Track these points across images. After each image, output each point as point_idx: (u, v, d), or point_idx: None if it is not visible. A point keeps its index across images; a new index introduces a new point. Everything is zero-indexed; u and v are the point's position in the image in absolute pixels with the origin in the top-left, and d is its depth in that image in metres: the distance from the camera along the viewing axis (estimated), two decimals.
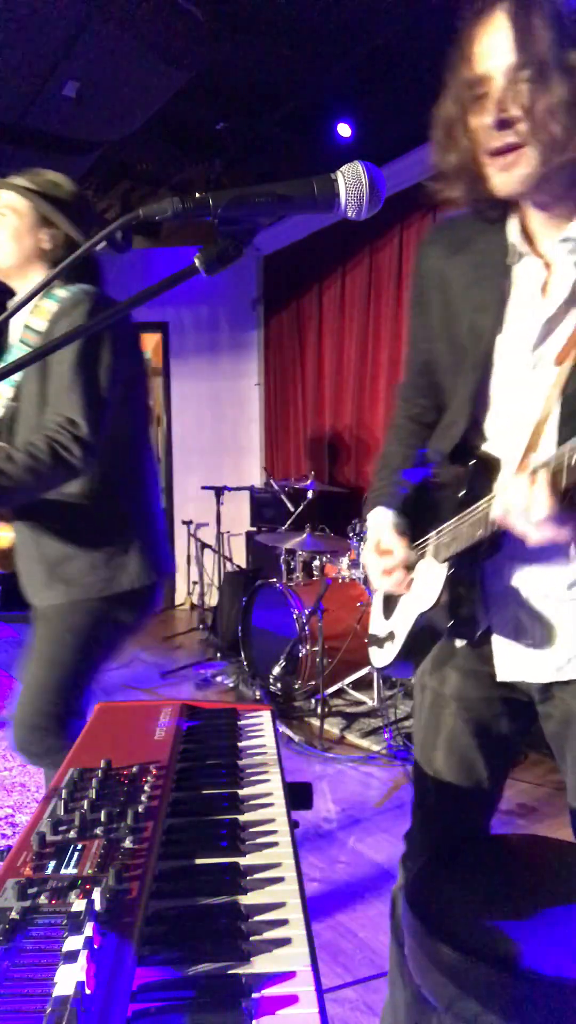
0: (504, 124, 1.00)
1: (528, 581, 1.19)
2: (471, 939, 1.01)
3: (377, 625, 1.44)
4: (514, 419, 1.16)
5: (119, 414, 1.90)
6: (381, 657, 1.38)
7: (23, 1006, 0.60)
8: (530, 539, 1.00)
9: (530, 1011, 0.93)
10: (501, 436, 1.19)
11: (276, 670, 4.02)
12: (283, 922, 0.75)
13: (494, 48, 1.01)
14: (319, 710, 3.81)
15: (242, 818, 0.95)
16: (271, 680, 4.12)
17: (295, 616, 4.01)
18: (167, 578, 2.21)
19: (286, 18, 3.64)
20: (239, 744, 1.20)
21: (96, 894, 0.72)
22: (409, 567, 1.27)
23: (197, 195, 0.80)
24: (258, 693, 4.14)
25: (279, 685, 4.13)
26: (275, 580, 4.35)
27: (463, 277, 1.20)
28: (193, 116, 4.84)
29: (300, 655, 3.99)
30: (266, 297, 6.69)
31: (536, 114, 0.98)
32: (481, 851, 1.30)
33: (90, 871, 0.79)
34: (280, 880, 0.82)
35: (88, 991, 0.60)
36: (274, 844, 0.89)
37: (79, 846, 0.83)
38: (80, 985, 0.60)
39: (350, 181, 0.82)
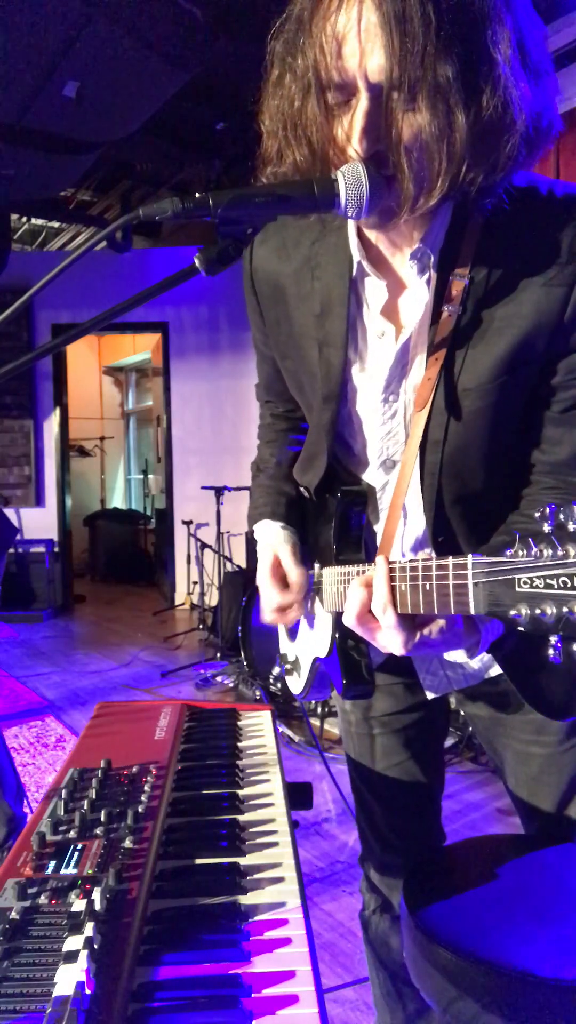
0: (374, 156, 0.81)
1: None
2: (469, 940, 1.01)
3: (284, 644, 1.37)
4: (383, 449, 1.07)
5: None
6: (292, 684, 1.32)
7: (23, 1006, 0.60)
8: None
9: (528, 1012, 0.93)
10: (372, 466, 1.10)
11: (276, 670, 4.01)
12: (283, 922, 0.75)
13: (360, 41, 0.77)
14: (319, 710, 3.81)
15: (242, 818, 0.95)
16: (271, 680, 4.12)
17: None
18: None
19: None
20: (239, 744, 1.20)
21: (96, 894, 0.72)
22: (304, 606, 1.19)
23: (197, 195, 0.80)
24: (258, 693, 4.14)
25: (279, 685, 4.13)
26: None
27: (302, 288, 1.04)
28: (193, 116, 4.84)
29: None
30: None
31: (410, 147, 0.79)
32: (479, 851, 1.30)
33: (90, 871, 0.79)
34: (280, 880, 0.82)
35: (88, 991, 0.60)
36: (274, 844, 0.89)
37: (79, 846, 0.83)
38: (80, 985, 0.60)
39: (350, 181, 0.82)
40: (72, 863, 0.80)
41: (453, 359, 0.94)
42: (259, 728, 1.27)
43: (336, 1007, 1.94)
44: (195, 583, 6.47)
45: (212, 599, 6.04)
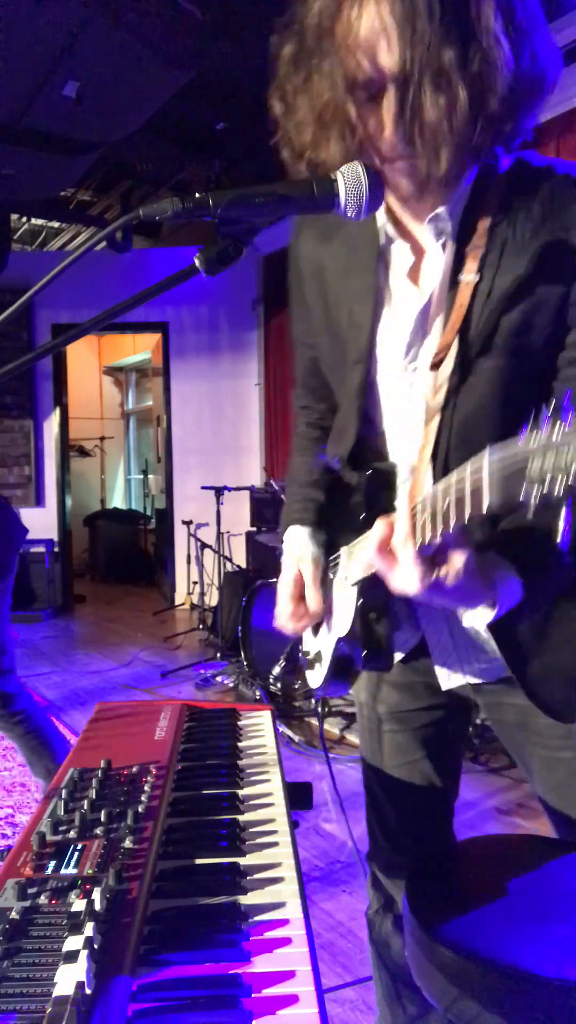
0: (409, 142, 0.89)
1: None
2: (471, 940, 1.01)
3: (308, 642, 1.38)
4: (404, 421, 1.10)
5: None
6: (313, 678, 1.32)
7: (23, 1006, 0.60)
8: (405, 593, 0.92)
9: (530, 1012, 0.93)
10: (396, 439, 1.13)
11: (276, 670, 4.02)
12: (283, 922, 0.75)
13: (375, 38, 0.86)
14: (319, 710, 3.81)
15: (242, 818, 0.95)
16: (271, 680, 4.12)
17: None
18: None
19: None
20: (239, 744, 1.20)
21: (96, 894, 0.72)
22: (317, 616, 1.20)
23: (197, 195, 0.80)
24: (258, 693, 4.14)
25: (279, 685, 4.13)
26: (275, 580, 4.34)
27: (338, 263, 1.12)
28: (193, 116, 4.85)
29: (301, 656, 3.98)
30: (266, 297, 6.69)
31: (435, 126, 0.88)
32: (482, 851, 1.30)
33: (90, 871, 0.79)
34: (280, 880, 0.82)
35: (88, 991, 0.60)
36: (274, 844, 0.89)
37: (79, 846, 0.83)
38: (80, 985, 0.60)
39: (350, 181, 0.82)
40: (72, 863, 0.80)
41: (469, 323, 0.99)
42: (259, 728, 1.27)
43: (336, 1007, 1.94)
44: (195, 583, 6.47)
45: (212, 599, 6.04)
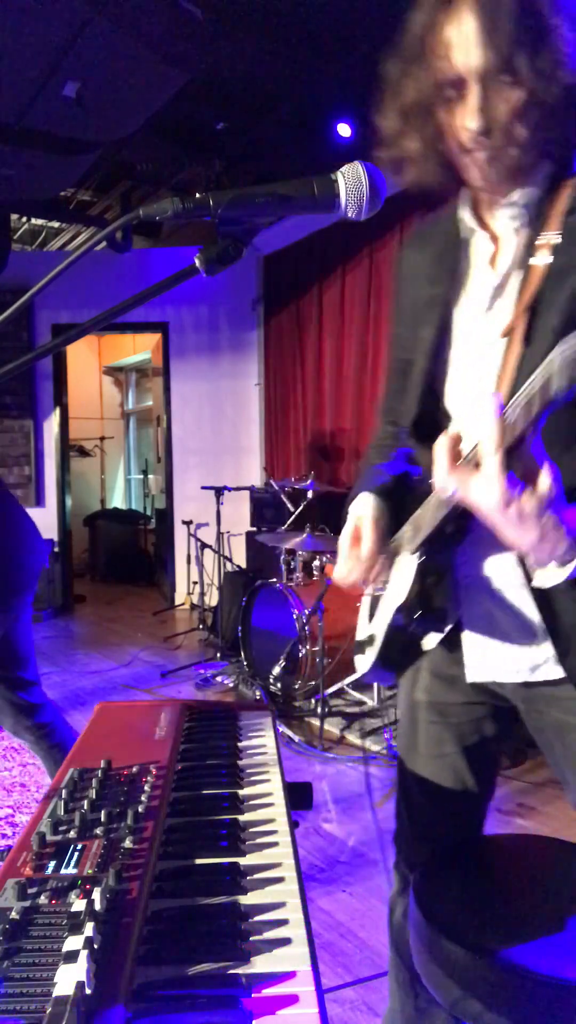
0: (486, 132, 1.02)
1: (501, 570, 1.16)
2: (476, 938, 1.01)
3: (362, 631, 1.41)
4: (476, 393, 1.15)
5: None
6: (363, 663, 1.35)
7: (23, 1006, 0.60)
8: (487, 511, 0.91)
9: (533, 1011, 0.93)
10: (463, 412, 1.20)
11: (276, 670, 4.02)
12: (283, 922, 0.75)
13: (464, 45, 1.00)
14: (319, 710, 3.81)
15: (242, 818, 0.95)
16: (271, 680, 4.12)
17: (295, 616, 4.01)
18: (19, 596, 2.31)
19: (286, 18, 3.64)
20: (239, 744, 1.20)
21: (96, 894, 0.72)
22: (373, 567, 1.23)
23: (197, 195, 0.80)
24: (258, 693, 4.14)
25: (279, 685, 4.13)
26: (275, 580, 4.35)
27: (426, 260, 1.25)
28: (193, 116, 4.84)
29: (300, 655, 3.99)
30: (266, 297, 6.70)
31: (512, 119, 1.01)
32: (486, 851, 1.30)
33: (90, 871, 0.79)
34: (280, 880, 0.82)
35: (88, 991, 0.60)
36: (274, 844, 0.89)
37: (79, 846, 0.83)
38: (80, 985, 0.60)
39: (350, 181, 0.82)
40: (72, 863, 0.80)
41: (540, 299, 1.05)
42: (259, 728, 1.27)
43: (336, 1007, 1.94)
44: (195, 583, 6.47)
45: (212, 599, 6.04)
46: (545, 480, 0.89)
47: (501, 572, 1.16)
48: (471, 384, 1.17)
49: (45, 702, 2.50)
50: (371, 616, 1.39)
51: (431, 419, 1.21)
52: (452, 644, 1.25)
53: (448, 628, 1.23)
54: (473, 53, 0.99)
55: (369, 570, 1.22)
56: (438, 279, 1.20)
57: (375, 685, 3.99)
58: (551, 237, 1.06)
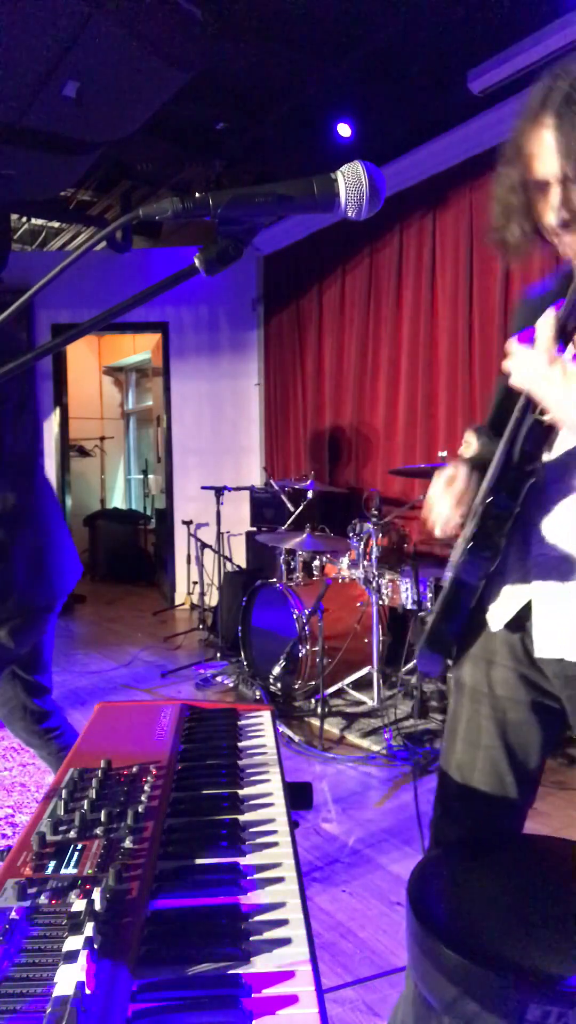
0: (565, 224, 1.19)
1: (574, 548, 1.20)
2: (471, 940, 1.01)
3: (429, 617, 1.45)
4: None
5: (12, 439, 1.96)
6: (420, 644, 1.39)
7: (23, 1006, 0.60)
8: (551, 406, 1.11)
9: (529, 1013, 0.93)
10: None
11: (276, 670, 4.01)
12: (283, 922, 0.75)
13: (545, 156, 1.17)
14: (319, 710, 3.81)
15: (242, 818, 0.95)
16: (271, 680, 4.12)
17: (295, 616, 4.01)
18: (57, 601, 2.30)
19: (286, 18, 3.64)
20: (239, 744, 1.20)
21: (96, 894, 0.72)
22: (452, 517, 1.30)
23: (197, 195, 0.80)
24: (258, 693, 4.14)
25: (279, 685, 4.13)
26: (275, 580, 4.35)
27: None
28: (193, 116, 4.84)
29: (300, 655, 3.99)
30: (266, 297, 6.70)
31: None
32: (483, 851, 1.30)
33: (90, 871, 0.79)
34: (280, 880, 0.82)
35: (88, 991, 0.60)
36: (274, 844, 0.89)
37: (79, 846, 0.83)
38: (80, 985, 0.60)
39: (350, 181, 0.82)
40: (72, 863, 0.80)
41: None
42: (259, 728, 1.27)
43: (336, 1007, 1.94)
44: (195, 583, 6.47)
45: (212, 599, 6.04)
46: None
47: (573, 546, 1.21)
48: None
49: (55, 709, 2.51)
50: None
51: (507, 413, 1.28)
52: (512, 627, 1.27)
53: (519, 603, 1.26)
54: (550, 162, 1.16)
55: (463, 507, 1.29)
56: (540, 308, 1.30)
57: (375, 685, 3.99)
58: None
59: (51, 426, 7.09)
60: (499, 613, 1.29)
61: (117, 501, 10.08)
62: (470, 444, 1.39)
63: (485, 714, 1.32)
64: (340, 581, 4.26)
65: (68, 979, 0.61)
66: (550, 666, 1.25)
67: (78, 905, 0.71)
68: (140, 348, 8.99)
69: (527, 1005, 0.93)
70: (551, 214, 1.20)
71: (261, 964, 0.68)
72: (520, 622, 1.27)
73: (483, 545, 1.21)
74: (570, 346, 1.12)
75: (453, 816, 1.37)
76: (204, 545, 5.99)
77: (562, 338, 1.11)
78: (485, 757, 1.32)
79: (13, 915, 0.71)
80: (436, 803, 1.42)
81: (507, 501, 1.20)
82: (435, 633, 1.31)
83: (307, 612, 3.94)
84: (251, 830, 0.92)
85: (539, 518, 1.23)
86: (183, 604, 6.93)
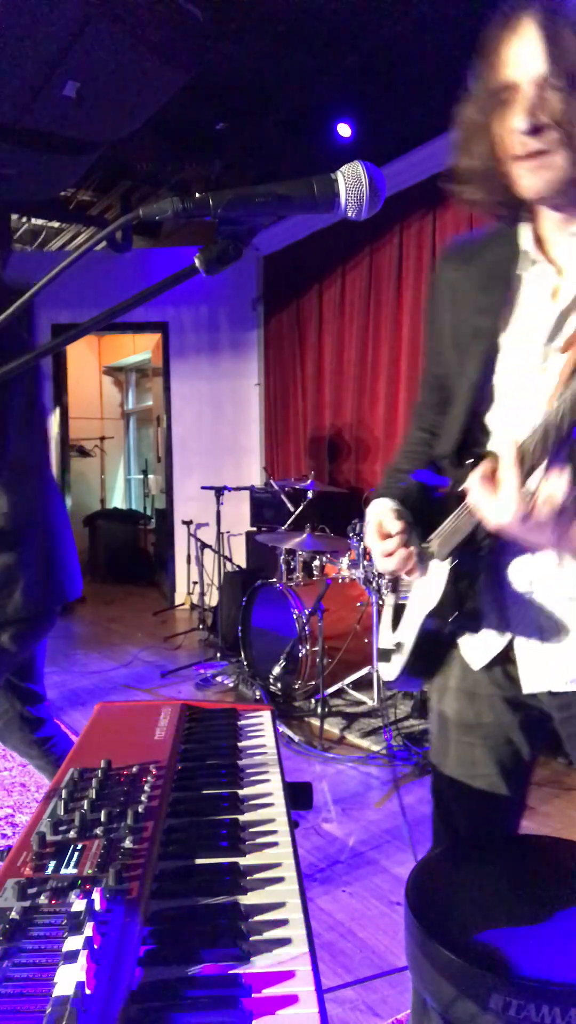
0: (535, 130, 1.03)
1: (548, 583, 1.17)
2: (470, 940, 1.01)
3: (385, 638, 1.41)
4: (522, 415, 1.15)
5: (19, 438, 1.95)
6: (389, 671, 1.35)
7: (23, 1006, 0.60)
8: (506, 532, 1.01)
9: (527, 1014, 0.93)
10: (508, 434, 1.19)
11: (276, 670, 4.02)
12: (283, 922, 0.75)
13: (522, 56, 1.04)
14: (319, 710, 3.81)
15: (242, 818, 0.95)
16: (271, 680, 4.12)
17: (295, 616, 4.01)
18: (60, 605, 2.29)
19: (286, 18, 3.64)
20: (239, 744, 1.20)
21: (96, 894, 0.72)
22: (413, 552, 1.25)
23: (197, 195, 0.80)
24: (258, 693, 4.14)
25: (279, 685, 4.13)
26: (275, 580, 4.35)
27: (471, 283, 1.23)
28: (193, 116, 4.84)
29: (300, 655, 3.99)
30: (266, 297, 6.70)
31: (565, 123, 1.02)
32: (481, 852, 1.30)
33: (90, 871, 0.79)
34: (280, 880, 0.82)
35: (88, 991, 0.60)
36: (274, 844, 0.89)
37: (79, 846, 0.83)
38: (80, 985, 0.60)
39: (350, 181, 0.82)
40: (72, 863, 0.80)
41: None
42: (259, 728, 1.27)
43: (336, 1007, 1.94)
44: (195, 583, 6.47)
45: (212, 599, 6.04)
46: (560, 482, 0.94)
47: (547, 586, 1.17)
48: (518, 405, 1.17)
49: (48, 717, 2.51)
50: (395, 625, 1.39)
51: (470, 437, 1.23)
52: (495, 662, 1.24)
53: (499, 646, 1.22)
54: (529, 62, 1.03)
55: (407, 559, 1.24)
56: (488, 310, 1.19)
57: (375, 685, 3.99)
58: None
59: (51, 426, 7.09)
60: (479, 654, 1.25)
61: (117, 501, 10.08)
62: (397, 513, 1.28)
63: (477, 744, 1.29)
64: (340, 581, 4.26)
65: (68, 979, 0.61)
66: (540, 697, 1.23)
67: (78, 905, 0.71)
68: (140, 348, 8.99)
69: (526, 1005, 0.93)
70: (519, 118, 1.04)
71: (261, 964, 0.68)
72: (500, 656, 1.24)
73: (456, 605, 1.18)
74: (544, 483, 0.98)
75: (456, 831, 1.35)
76: (204, 545, 5.99)
77: (529, 472, 0.98)
78: (482, 784, 1.29)
79: (13, 915, 0.71)
80: (435, 818, 1.39)
81: (473, 561, 1.17)
82: (411, 668, 1.30)
83: (307, 612, 3.94)
84: (251, 830, 0.92)
85: (507, 559, 1.19)
86: (183, 604, 6.93)
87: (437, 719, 1.35)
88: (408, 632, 1.31)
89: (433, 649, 1.29)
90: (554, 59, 1.02)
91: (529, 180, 1.08)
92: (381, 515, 1.28)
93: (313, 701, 4.05)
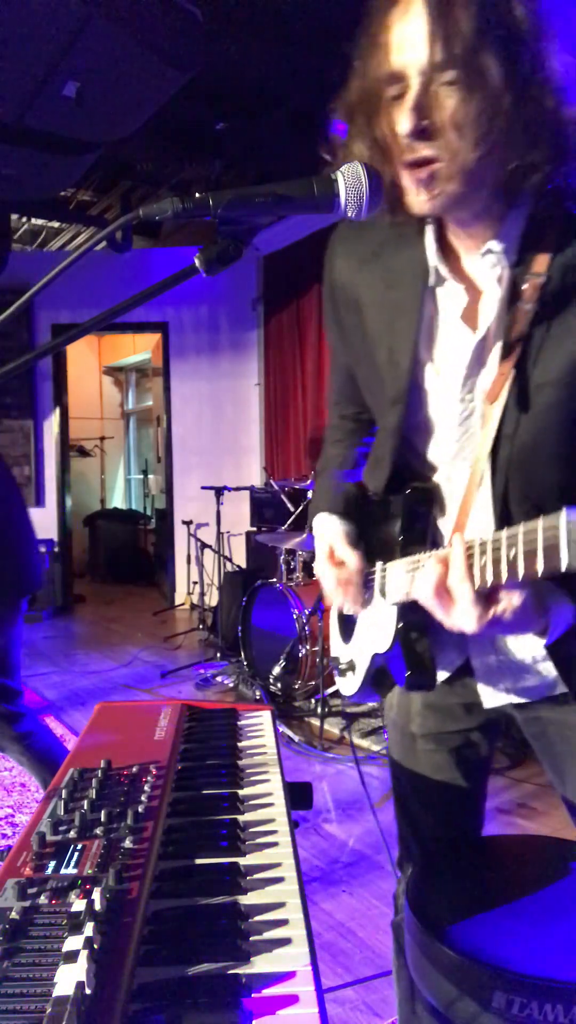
0: (421, 134, 0.87)
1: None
2: (472, 939, 1.01)
3: (337, 648, 1.38)
4: (455, 453, 1.09)
5: None
6: (345, 685, 1.32)
7: (23, 1006, 0.60)
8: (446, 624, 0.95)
9: (529, 1012, 0.93)
10: (444, 470, 1.12)
11: (276, 670, 4.02)
12: (283, 922, 0.75)
13: (409, 38, 0.86)
14: (319, 710, 3.81)
15: (242, 818, 0.95)
16: (271, 680, 4.12)
17: (295, 616, 4.01)
18: (21, 597, 2.29)
19: (286, 18, 3.64)
20: (239, 744, 1.20)
21: (96, 894, 0.72)
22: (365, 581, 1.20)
23: (197, 195, 0.80)
24: (258, 693, 4.14)
25: (279, 685, 4.13)
26: (275, 580, 4.35)
27: (376, 296, 1.09)
28: (193, 116, 4.84)
29: (300, 655, 3.99)
30: (266, 297, 6.70)
31: (455, 124, 0.86)
32: (481, 851, 1.30)
33: (90, 871, 0.79)
34: (280, 880, 0.82)
35: (88, 991, 0.60)
36: (274, 844, 0.89)
37: (79, 846, 0.83)
38: (80, 985, 0.60)
39: (350, 181, 0.82)
40: (72, 863, 0.80)
41: (527, 354, 0.96)
42: (259, 728, 1.27)
43: (336, 1007, 1.94)
44: (195, 583, 6.47)
45: (212, 599, 6.04)
46: (518, 595, 0.89)
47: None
48: (452, 446, 1.09)
49: (27, 711, 2.51)
50: (345, 634, 1.35)
51: (402, 468, 1.15)
52: (452, 677, 1.21)
53: (457, 662, 1.19)
54: (418, 47, 0.86)
55: (359, 596, 1.18)
56: (401, 337, 1.06)
57: None
58: (538, 279, 0.95)
59: (51, 426, 7.09)
60: (438, 671, 1.20)
61: (117, 501, 10.08)
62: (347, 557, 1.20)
63: (440, 751, 1.27)
64: None
65: (68, 979, 0.61)
66: (501, 709, 1.21)
67: (78, 905, 0.71)
68: (140, 348, 8.99)
69: (529, 1003, 0.93)
70: (404, 118, 0.88)
71: (261, 964, 0.68)
72: (459, 669, 1.21)
73: (413, 657, 1.10)
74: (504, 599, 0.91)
75: (423, 835, 1.34)
76: (204, 545, 5.99)
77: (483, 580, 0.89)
78: (448, 788, 1.28)
79: (13, 915, 0.71)
80: (401, 825, 1.38)
81: (419, 619, 1.07)
82: (367, 688, 1.27)
83: (307, 612, 3.94)
84: (251, 830, 0.92)
85: None
86: (183, 604, 6.93)
87: (401, 733, 1.31)
88: (359, 657, 1.27)
89: (386, 676, 1.24)
90: (443, 44, 0.83)
91: (418, 196, 0.93)
92: (332, 539, 1.21)
93: (313, 701, 4.05)
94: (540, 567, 0.78)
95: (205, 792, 1.02)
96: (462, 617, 0.90)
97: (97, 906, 0.71)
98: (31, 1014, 0.59)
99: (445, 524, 1.14)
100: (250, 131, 4.94)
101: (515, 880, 1.17)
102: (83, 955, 0.63)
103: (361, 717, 3.96)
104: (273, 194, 0.82)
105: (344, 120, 0.98)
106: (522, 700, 1.17)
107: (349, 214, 0.84)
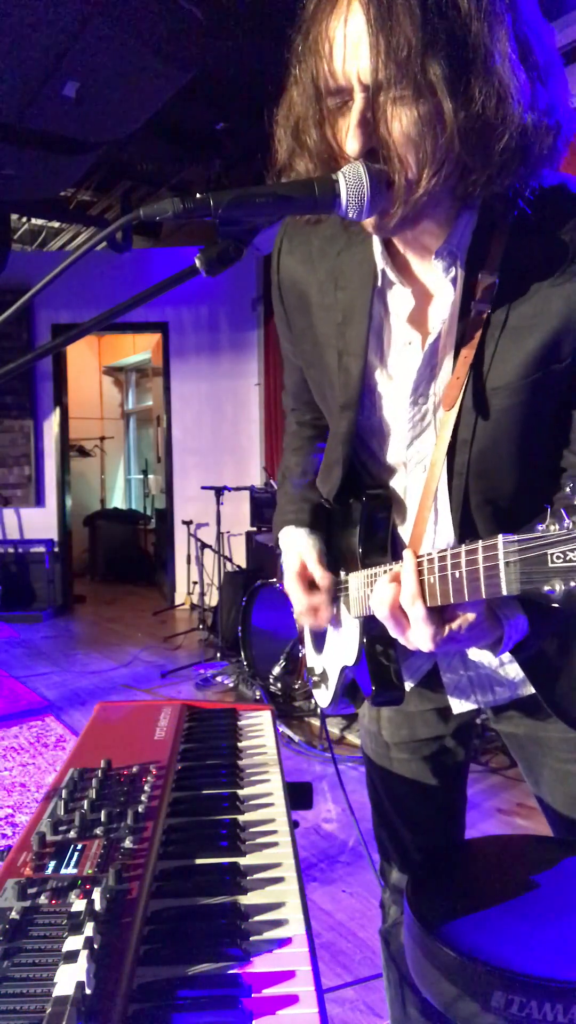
0: (370, 154, 0.83)
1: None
2: (471, 939, 1.01)
3: (311, 658, 1.36)
4: (411, 459, 1.07)
5: None
6: (320, 697, 1.31)
7: (23, 1006, 0.60)
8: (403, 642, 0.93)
9: (529, 1011, 0.93)
10: (401, 476, 1.09)
11: (276, 670, 4.02)
12: (283, 922, 0.75)
13: (350, 45, 0.80)
14: (319, 710, 3.81)
15: (242, 818, 0.95)
16: (271, 680, 4.12)
17: (295, 616, 4.01)
18: None
19: (286, 17, 3.64)
20: (239, 744, 1.20)
21: (96, 894, 0.72)
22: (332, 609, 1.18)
23: (197, 195, 0.80)
24: (258, 693, 4.14)
25: (279, 685, 4.13)
26: (275, 580, 4.35)
27: (325, 298, 1.05)
28: (193, 116, 4.85)
29: (300, 655, 3.99)
30: (266, 297, 6.70)
31: (406, 142, 0.81)
32: (482, 851, 1.30)
33: (90, 871, 0.79)
34: (280, 880, 0.82)
35: (88, 991, 0.60)
36: (274, 844, 0.89)
37: (79, 846, 0.83)
38: (80, 985, 0.60)
39: (351, 181, 0.82)
40: (72, 863, 0.80)
41: (482, 358, 0.94)
42: (259, 728, 1.27)
43: (336, 1007, 1.94)
44: (195, 583, 6.47)
45: (212, 599, 6.04)
46: (472, 612, 0.88)
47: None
48: (408, 452, 1.06)
49: None
50: (316, 645, 1.34)
51: (354, 476, 1.13)
52: (423, 683, 1.20)
53: (426, 667, 1.18)
54: (361, 54, 0.79)
55: (329, 617, 1.17)
56: (350, 342, 1.02)
57: None
58: (491, 279, 0.92)
59: (51, 426, 7.09)
60: (407, 677, 1.20)
61: (117, 501, 10.08)
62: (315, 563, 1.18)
63: (415, 759, 1.26)
64: None
65: (68, 979, 0.61)
66: (470, 715, 1.21)
67: (78, 905, 0.71)
68: (140, 348, 8.99)
69: (528, 1003, 0.93)
70: (351, 138, 0.82)
71: (261, 964, 0.68)
72: (427, 675, 1.20)
73: (380, 671, 1.06)
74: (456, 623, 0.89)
75: (403, 842, 1.33)
76: (204, 545, 5.99)
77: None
78: (427, 796, 1.27)
79: (13, 915, 0.71)
80: (379, 830, 1.36)
81: (383, 633, 1.02)
82: (340, 699, 1.25)
83: None
84: (251, 830, 0.92)
85: None
86: (183, 604, 6.93)
87: (373, 742, 1.30)
88: (330, 669, 1.25)
89: (357, 689, 1.21)
90: (390, 55, 0.76)
91: (372, 219, 0.87)
92: (304, 556, 1.18)
93: (313, 701, 4.05)
94: (483, 591, 0.78)
95: (205, 792, 1.02)
96: (418, 635, 0.89)
97: (97, 906, 0.71)
98: (31, 1014, 0.59)
99: (405, 531, 1.12)
100: (250, 131, 4.94)
101: (514, 879, 1.17)
102: (83, 955, 0.63)
103: None
104: (273, 194, 0.82)
105: (284, 133, 0.92)
106: (492, 703, 1.17)
107: (350, 215, 0.84)
